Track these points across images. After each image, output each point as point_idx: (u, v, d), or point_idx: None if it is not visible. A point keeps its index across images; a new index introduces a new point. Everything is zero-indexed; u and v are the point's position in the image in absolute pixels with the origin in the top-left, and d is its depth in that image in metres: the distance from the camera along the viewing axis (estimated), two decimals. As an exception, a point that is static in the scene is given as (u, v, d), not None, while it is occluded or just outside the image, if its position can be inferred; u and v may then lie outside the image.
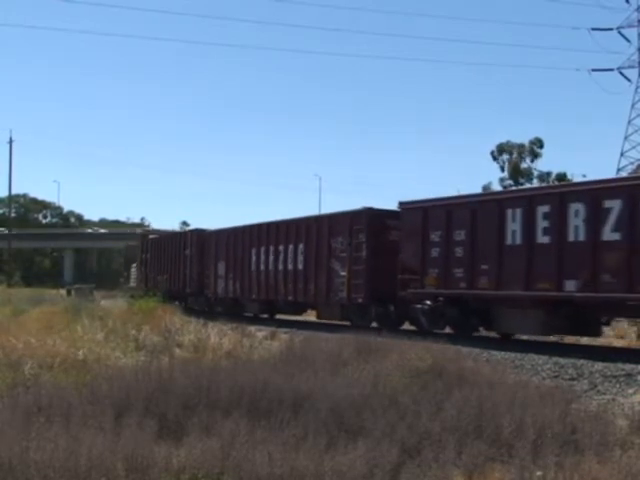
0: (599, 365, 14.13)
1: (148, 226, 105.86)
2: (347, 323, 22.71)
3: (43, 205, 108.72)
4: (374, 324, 21.56)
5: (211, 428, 7.94)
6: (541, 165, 54.30)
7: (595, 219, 15.81)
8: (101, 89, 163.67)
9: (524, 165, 53.99)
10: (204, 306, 32.47)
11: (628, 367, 13.77)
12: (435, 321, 19.82)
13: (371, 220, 22.15)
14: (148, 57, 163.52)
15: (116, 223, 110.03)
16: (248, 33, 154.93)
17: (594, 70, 55.79)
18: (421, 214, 19.98)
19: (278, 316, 27.98)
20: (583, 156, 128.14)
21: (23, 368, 11.29)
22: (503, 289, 17.79)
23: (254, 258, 27.75)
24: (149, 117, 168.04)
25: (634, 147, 52.03)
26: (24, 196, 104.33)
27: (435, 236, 19.40)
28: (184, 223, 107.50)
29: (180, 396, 9.02)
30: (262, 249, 27.28)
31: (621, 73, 53.92)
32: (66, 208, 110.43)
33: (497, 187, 53.47)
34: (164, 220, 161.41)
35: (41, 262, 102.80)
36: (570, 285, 16.28)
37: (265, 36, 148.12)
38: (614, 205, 15.54)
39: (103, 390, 9.49)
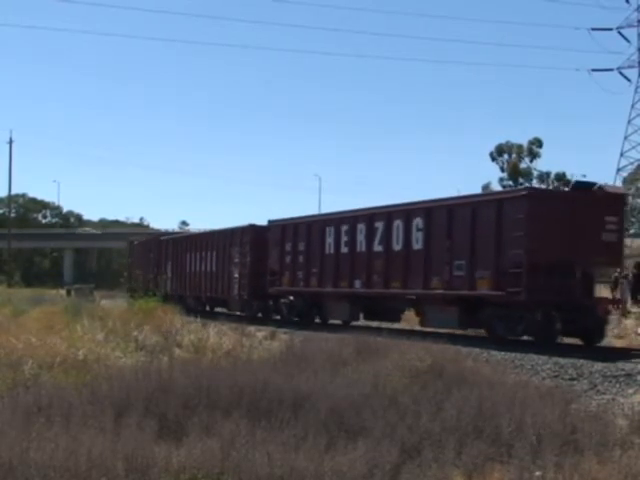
0: (599, 365, 14.14)
1: (147, 226, 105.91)
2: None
3: (43, 205, 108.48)
4: (259, 314, 27.93)
5: (211, 428, 7.94)
6: (541, 165, 54.28)
7: (370, 235, 21.67)
8: (101, 89, 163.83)
9: (523, 165, 53.91)
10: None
11: (628, 367, 13.80)
12: (292, 312, 25.94)
13: (254, 234, 28.29)
14: (148, 57, 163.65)
15: (116, 223, 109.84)
16: (248, 33, 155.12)
17: (594, 70, 55.85)
18: (280, 230, 26.19)
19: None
20: (583, 156, 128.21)
21: (23, 368, 11.28)
22: (324, 287, 23.82)
23: (188, 262, 33.98)
24: (149, 117, 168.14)
25: (634, 147, 52.06)
26: (23, 196, 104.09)
27: (288, 247, 25.47)
28: (183, 223, 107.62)
29: (180, 396, 9.02)
30: (193, 255, 33.52)
31: (621, 73, 53.99)
32: (66, 208, 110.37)
33: (497, 187, 53.52)
34: (164, 220, 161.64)
35: (41, 262, 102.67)
36: (357, 284, 22.24)
37: (265, 36, 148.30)
38: (379, 226, 21.34)
39: (103, 390, 9.48)
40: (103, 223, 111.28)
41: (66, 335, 15.11)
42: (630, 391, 12.59)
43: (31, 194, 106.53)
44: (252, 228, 28.77)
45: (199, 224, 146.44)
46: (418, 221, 19.93)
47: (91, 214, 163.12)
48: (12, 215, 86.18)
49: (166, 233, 53.02)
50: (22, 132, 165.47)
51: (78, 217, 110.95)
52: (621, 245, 18.75)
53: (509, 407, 9.02)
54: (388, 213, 21.31)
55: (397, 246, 20.62)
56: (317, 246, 23.99)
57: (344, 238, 22.83)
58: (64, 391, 9.53)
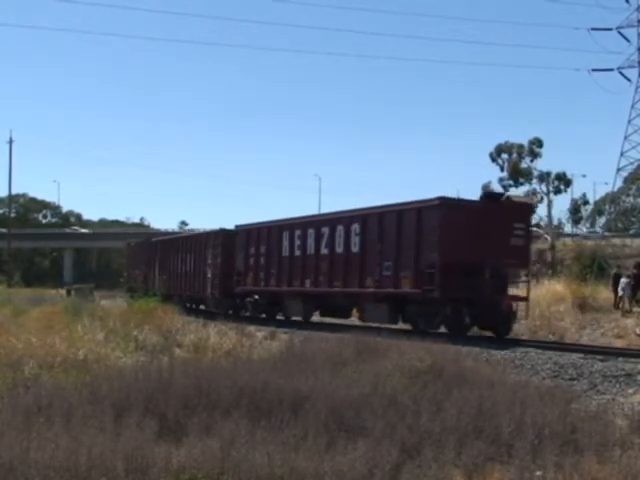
0: (599, 365, 14.14)
1: (148, 226, 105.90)
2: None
3: (43, 205, 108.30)
4: (230, 312, 29.55)
5: (211, 428, 7.95)
6: (541, 165, 54.24)
7: (318, 240, 23.92)
8: (101, 89, 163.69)
9: (524, 165, 53.88)
10: None
11: (628, 367, 13.79)
12: (256, 309, 28.21)
13: (224, 237, 30.61)
14: (148, 57, 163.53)
15: (116, 223, 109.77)
16: (248, 33, 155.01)
17: (594, 70, 55.75)
18: (245, 234, 28.74)
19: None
20: (583, 156, 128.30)
21: (23, 368, 11.29)
22: (281, 286, 26.03)
23: (172, 263, 36.46)
24: (149, 117, 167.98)
25: (634, 147, 51.95)
26: (23, 196, 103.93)
27: (252, 249, 27.94)
28: (183, 223, 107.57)
29: (180, 396, 9.02)
30: (175, 256, 36.06)
31: (621, 73, 53.88)
32: (66, 208, 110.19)
33: (497, 187, 53.64)
34: (164, 220, 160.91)
35: (41, 262, 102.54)
36: (307, 283, 24.39)
37: (265, 36, 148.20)
38: (325, 231, 23.58)
39: (103, 390, 9.49)
40: (103, 223, 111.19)
41: (66, 335, 15.11)
42: (630, 391, 12.60)
43: (31, 194, 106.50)
44: (222, 232, 31.34)
45: (199, 224, 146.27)
46: (356, 227, 22.26)
47: (91, 214, 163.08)
48: (12, 215, 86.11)
49: (165, 233, 53.69)
50: (22, 132, 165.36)
51: (78, 217, 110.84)
52: (529, 248, 20.99)
53: (509, 407, 9.03)
54: (332, 220, 23.81)
55: (339, 249, 22.91)
56: (275, 249, 26.37)
57: (297, 242, 25.16)
58: (64, 391, 9.53)
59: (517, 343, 18.08)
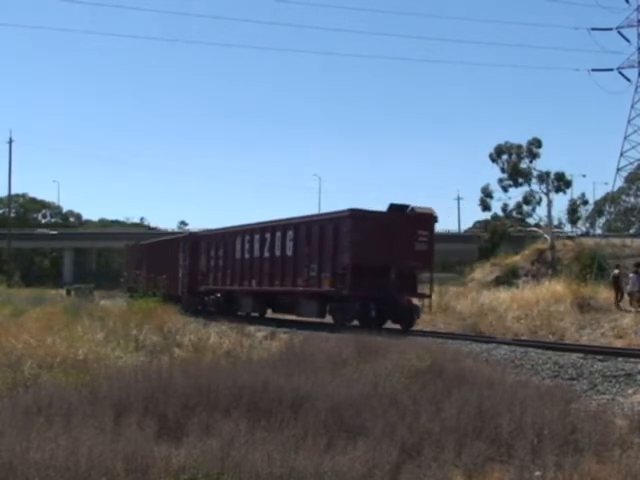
0: (599, 365, 14.13)
1: (148, 226, 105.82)
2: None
3: (42, 205, 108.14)
4: (199, 307, 32.70)
5: (211, 428, 7.95)
6: (540, 165, 54.10)
7: (262, 244, 27.32)
8: (101, 89, 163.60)
9: (523, 165, 53.75)
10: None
11: (628, 367, 13.79)
12: (217, 307, 31.13)
13: (191, 241, 34.47)
14: (148, 57, 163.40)
15: (116, 223, 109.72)
16: (249, 33, 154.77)
17: (594, 70, 55.61)
18: (208, 238, 33.19)
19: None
20: (583, 156, 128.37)
21: (23, 368, 11.28)
22: (234, 285, 29.55)
23: (154, 264, 39.47)
24: (149, 117, 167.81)
25: (634, 147, 51.82)
26: (23, 196, 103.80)
27: (212, 252, 32.00)
28: (182, 223, 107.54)
29: (180, 396, 9.02)
30: (159, 258, 38.78)
31: (621, 73, 53.72)
32: (66, 208, 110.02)
33: (496, 188, 53.55)
34: (164, 220, 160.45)
35: (41, 262, 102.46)
36: (254, 283, 27.91)
37: (266, 36, 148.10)
38: (268, 236, 26.90)
39: (103, 390, 9.49)
40: (103, 223, 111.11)
41: (66, 335, 15.10)
42: (630, 391, 12.60)
43: (31, 194, 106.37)
44: (190, 236, 35.77)
45: (199, 224, 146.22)
46: (290, 233, 25.47)
47: (91, 214, 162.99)
48: (12, 215, 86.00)
49: (166, 233, 54.15)
50: (22, 132, 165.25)
51: (78, 217, 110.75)
52: (432, 253, 23.54)
53: (509, 407, 9.03)
54: (273, 226, 27.02)
55: (278, 253, 26.07)
56: (230, 252, 30.04)
57: (246, 246, 28.60)
58: (64, 391, 9.53)
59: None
